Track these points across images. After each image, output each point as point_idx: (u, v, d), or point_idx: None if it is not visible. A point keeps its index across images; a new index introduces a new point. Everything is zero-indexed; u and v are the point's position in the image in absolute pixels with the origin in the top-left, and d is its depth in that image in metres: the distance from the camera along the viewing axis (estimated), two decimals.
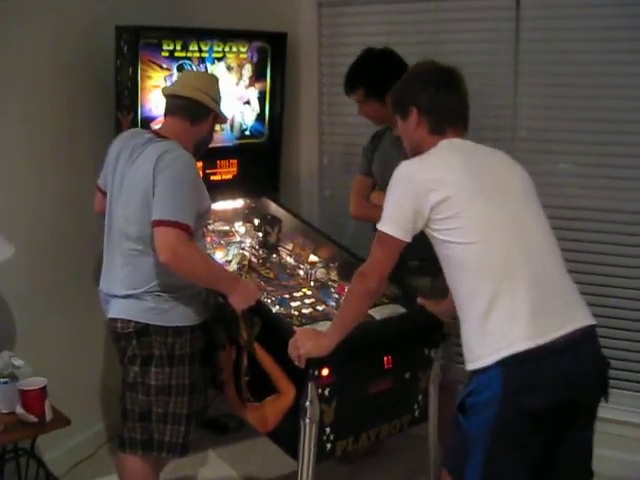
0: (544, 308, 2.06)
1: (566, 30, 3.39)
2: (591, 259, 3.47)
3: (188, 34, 3.32)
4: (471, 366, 2.11)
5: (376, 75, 3.11)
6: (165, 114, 2.76)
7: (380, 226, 2.24)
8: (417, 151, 2.33)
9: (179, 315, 2.63)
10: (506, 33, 3.46)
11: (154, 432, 2.65)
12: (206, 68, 3.38)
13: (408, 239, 2.21)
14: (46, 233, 3.24)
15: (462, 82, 2.34)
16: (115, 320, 2.64)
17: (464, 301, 2.16)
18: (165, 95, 2.77)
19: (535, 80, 3.47)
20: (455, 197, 2.12)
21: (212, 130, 2.81)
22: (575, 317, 2.10)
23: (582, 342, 2.08)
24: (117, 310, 2.64)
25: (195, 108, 2.68)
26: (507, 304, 2.06)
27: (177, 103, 2.69)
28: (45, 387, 2.63)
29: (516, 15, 3.42)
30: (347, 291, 2.45)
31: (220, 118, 2.80)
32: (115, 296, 2.64)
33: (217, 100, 2.75)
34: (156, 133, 2.69)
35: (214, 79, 2.91)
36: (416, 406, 2.90)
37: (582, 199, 3.46)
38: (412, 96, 2.30)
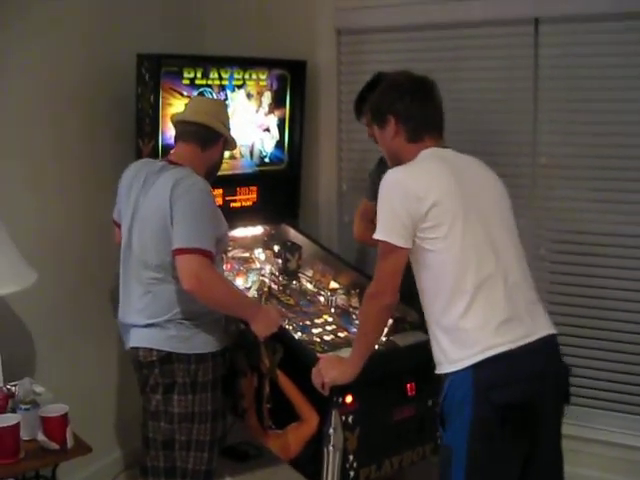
0: (513, 318, 2.17)
1: (586, 56, 3.38)
2: (614, 285, 3.43)
3: (208, 62, 3.36)
4: (444, 369, 2.20)
5: None
6: (175, 140, 2.77)
7: (379, 236, 2.25)
8: (397, 160, 2.38)
9: (201, 342, 2.62)
10: (525, 59, 3.45)
11: (177, 460, 2.63)
12: (226, 96, 3.41)
13: (409, 245, 2.22)
14: (69, 259, 3.25)
15: (436, 91, 2.40)
16: (137, 349, 2.63)
17: (435, 308, 2.23)
18: (175, 122, 2.78)
19: (555, 106, 3.46)
20: (442, 206, 2.18)
21: (222, 155, 2.82)
22: (539, 326, 2.22)
23: (547, 347, 2.23)
24: (139, 339, 2.63)
25: (206, 133, 2.69)
26: (479, 315, 2.16)
27: (188, 129, 2.70)
28: (67, 414, 2.60)
29: (534, 41, 3.41)
30: (361, 313, 2.46)
31: (229, 143, 2.81)
32: (135, 326, 2.63)
33: (226, 125, 2.77)
34: (168, 160, 2.69)
35: (223, 104, 2.96)
36: (439, 434, 2.85)
37: (604, 225, 3.42)
38: (389, 105, 2.35)
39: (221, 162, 2.84)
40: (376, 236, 2.26)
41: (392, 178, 2.27)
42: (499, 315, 2.16)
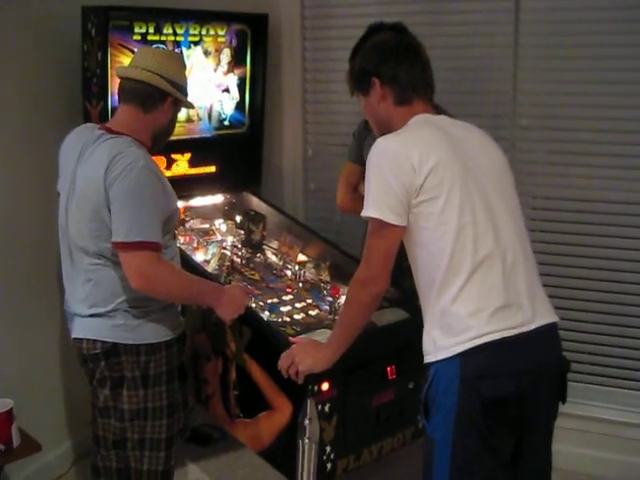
0: (510, 304, 1.99)
1: (568, 10, 3.22)
2: (597, 253, 3.33)
3: (162, 15, 3.11)
4: (431, 358, 2.02)
5: None
6: (118, 101, 2.47)
7: (370, 213, 2.01)
8: (386, 128, 2.17)
9: (151, 331, 2.38)
10: (505, 13, 3.29)
11: (130, 460, 2.42)
12: (182, 53, 3.16)
13: (404, 223, 2.01)
14: (18, 239, 3.01)
15: (422, 49, 2.23)
16: (80, 340, 2.38)
17: (431, 292, 2.03)
18: (118, 77, 2.46)
19: (536, 64, 3.30)
20: (438, 178, 1.98)
21: (174, 118, 2.48)
22: (540, 314, 2.04)
23: (544, 338, 2.03)
24: (81, 329, 2.38)
25: (147, 92, 2.36)
26: (473, 299, 1.97)
27: (128, 87, 2.38)
28: (11, 410, 2.38)
29: None
30: (347, 300, 2.23)
31: (183, 103, 2.48)
32: (78, 315, 2.39)
33: (177, 82, 2.41)
34: (107, 128, 2.38)
35: (173, 56, 2.62)
36: (420, 417, 2.69)
37: (586, 191, 3.31)
38: (373, 67, 2.18)
39: (172, 126, 2.51)
40: (366, 213, 2.03)
41: (383, 146, 2.04)
42: (495, 300, 1.97)
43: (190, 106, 2.63)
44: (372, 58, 2.20)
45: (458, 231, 1.97)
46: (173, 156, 3.25)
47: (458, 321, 1.97)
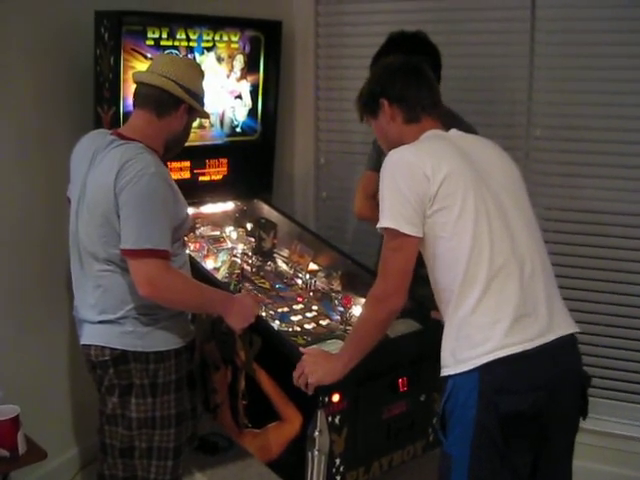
0: (529, 314, 1.96)
1: (584, 20, 3.19)
2: (611, 266, 3.28)
3: (175, 21, 3.08)
4: (449, 371, 2.00)
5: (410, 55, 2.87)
6: (133, 106, 2.45)
7: (385, 224, 2.00)
8: (397, 147, 2.15)
9: (161, 338, 2.35)
10: (521, 23, 3.25)
11: (137, 469, 2.39)
12: (194, 58, 3.13)
13: (421, 234, 1.99)
14: (29, 242, 2.97)
15: (427, 70, 2.27)
16: (89, 347, 2.35)
17: (449, 303, 2.02)
18: (134, 82, 2.44)
19: (551, 74, 3.26)
20: (451, 186, 1.98)
21: (188, 126, 2.46)
22: (558, 324, 2.01)
23: (562, 350, 2.00)
24: (90, 336, 2.35)
25: (161, 98, 2.33)
26: (491, 309, 1.95)
27: (143, 92, 2.36)
28: (17, 417, 2.35)
29: (532, 3, 3.20)
30: (363, 316, 2.20)
31: (198, 112, 2.45)
32: (88, 321, 2.36)
33: (192, 89, 2.38)
34: (119, 134, 2.35)
35: (190, 64, 2.58)
36: (431, 430, 2.67)
37: (601, 202, 3.26)
38: (381, 89, 2.22)
39: (186, 134, 2.48)
40: (381, 224, 2.01)
41: (396, 157, 2.05)
42: (513, 311, 1.94)
43: (206, 116, 2.60)
44: (379, 80, 2.24)
45: (474, 240, 1.95)
46: (184, 162, 3.22)
47: (477, 332, 1.94)
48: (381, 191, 2.04)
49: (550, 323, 1.97)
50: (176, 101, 2.34)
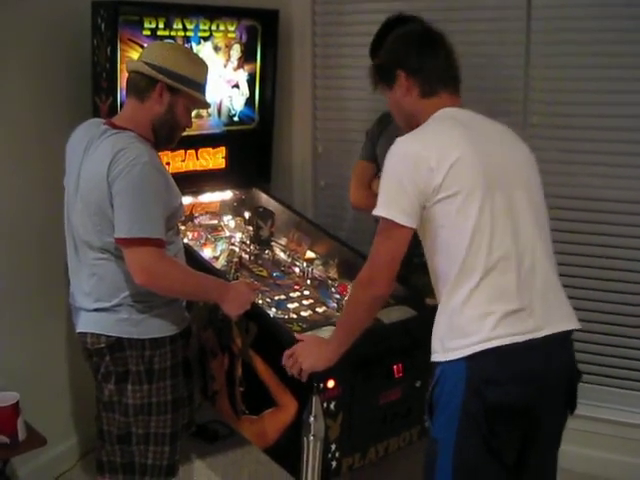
0: (522, 309, 1.94)
1: (581, 7, 3.18)
2: (609, 253, 3.29)
3: (172, 10, 3.08)
4: (438, 357, 1.99)
5: None
6: (125, 95, 2.47)
7: (380, 212, 1.98)
8: (411, 122, 2.13)
9: (156, 325, 2.37)
10: (517, 10, 3.24)
11: (135, 455, 2.41)
12: (191, 48, 3.14)
13: (414, 225, 1.97)
14: (26, 234, 3.00)
15: (447, 41, 2.17)
16: (84, 335, 2.37)
17: (444, 290, 2.01)
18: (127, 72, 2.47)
19: (548, 61, 3.25)
20: (457, 176, 1.93)
21: (172, 107, 2.37)
22: (554, 321, 1.98)
23: (555, 346, 1.98)
24: (86, 323, 2.37)
25: (137, 81, 2.34)
26: (484, 301, 1.94)
27: (129, 80, 2.39)
28: (17, 403, 2.38)
29: None
30: (349, 299, 2.21)
31: (184, 93, 2.36)
32: (84, 309, 2.38)
33: (171, 69, 2.32)
34: (112, 123, 2.36)
35: (177, 48, 2.58)
36: (427, 424, 2.67)
37: (598, 189, 3.26)
38: (397, 59, 2.13)
39: (173, 117, 2.38)
40: (376, 212, 1.99)
41: (401, 148, 2.00)
42: (507, 304, 1.92)
43: (203, 104, 2.52)
44: (396, 50, 2.16)
45: (474, 231, 1.93)
46: (182, 152, 3.24)
47: (467, 323, 1.94)
48: (382, 179, 2.01)
49: (545, 319, 1.95)
50: (150, 82, 2.33)
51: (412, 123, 2.12)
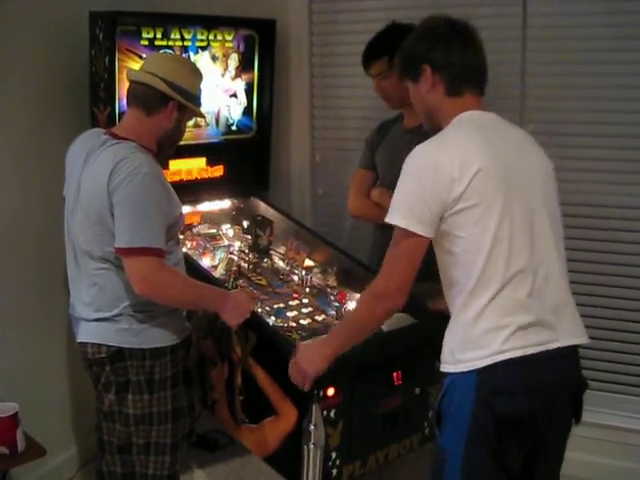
0: (534, 323, 1.92)
1: (576, 15, 3.19)
2: (607, 259, 3.29)
3: (169, 21, 3.09)
4: (448, 368, 1.98)
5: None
6: (126, 105, 2.47)
7: (397, 221, 1.92)
8: (433, 119, 2.10)
9: (156, 335, 2.37)
10: (513, 18, 3.25)
11: (136, 465, 2.42)
12: (189, 58, 3.14)
13: (431, 235, 1.92)
14: (23, 241, 2.99)
15: (477, 36, 2.10)
16: (85, 345, 2.38)
17: (458, 301, 1.98)
18: (128, 81, 2.47)
19: (544, 69, 3.26)
20: (479, 187, 1.89)
21: (179, 124, 2.43)
22: (564, 334, 1.96)
23: (563, 357, 1.96)
24: (86, 333, 2.38)
25: (149, 95, 2.35)
26: (497, 315, 1.91)
27: (133, 90, 2.39)
28: (16, 414, 2.37)
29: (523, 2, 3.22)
30: (360, 308, 2.14)
31: (190, 110, 2.42)
32: (84, 319, 2.38)
33: (181, 86, 2.36)
34: (113, 133, 2.37)
35: (183, 63, 2.59)
36: (426, 424, 2.69)
37: (595, 195, 3.27)
38: (424, 53, 2.05)
39: (178, 132, 2.46)
40: (393, 220, 1.92)
41: (422, 154, 1.95)
42: (520, 318, 1.90)
43: (201, 115, 2.59)
44: (424, 43, 2.07)
45: (493, 244, 1.90)
46: (181, 161, 3.23)
47: (480, 336, 1.91)
48: (399, 185, 1.95)
49: (555, 332, 1.94)
50: (163, 98, 2.35)
51: (434, 119, 2.09)
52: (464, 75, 2.04)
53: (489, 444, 1.91)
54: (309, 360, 2.21)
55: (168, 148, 2.47)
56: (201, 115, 2.59)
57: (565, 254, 2.05)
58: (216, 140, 3.42)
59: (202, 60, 3.21)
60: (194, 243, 3.15)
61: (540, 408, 1.92)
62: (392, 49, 2.87)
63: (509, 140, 2.05)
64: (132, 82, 2.41)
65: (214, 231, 3.31)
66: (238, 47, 3.37)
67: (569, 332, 1.98)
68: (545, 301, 1.94)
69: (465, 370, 1.92)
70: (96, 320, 2.34)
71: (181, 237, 2.99)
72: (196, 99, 2.46)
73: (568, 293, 2.03)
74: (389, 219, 1.95)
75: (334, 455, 2.41)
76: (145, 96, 2.35)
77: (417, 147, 1.98)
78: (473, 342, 1.92)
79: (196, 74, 2.50)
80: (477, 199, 1.89)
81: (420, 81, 2.08)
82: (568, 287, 2.04)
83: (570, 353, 1.98)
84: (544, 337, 1.92)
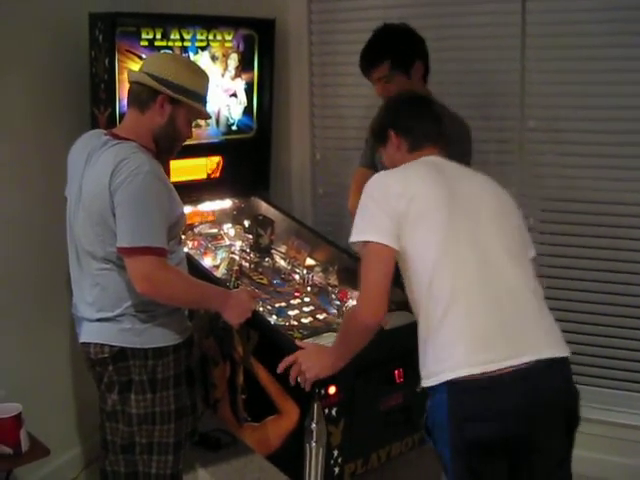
0: (498, 334, 1.94)
1: (576, 11, 3.19)
2: (607, 255, 3.29)
3: (169, 21, 3.09)
4: (424, 383, 2.03)
5: (401, 46, 2.93)
6: (127, 105, 2.48)
7: (357, 237, 2.07)
8: None
9: (158, 334, 2.37)
10: (512, 15, 3.26)
11: (139, 464, 2.41)
12: (189, 58, 3.13)
13: (395, 245, 2.02)
14: (26, 242, 3.00)
15: (434, 105, 2.42)
16: (87, 345, 2.38)
17: (419, 317, 2.06)
18: (128, 82, 2.48)
19: (544, 65, 3.26)
20: (421, 203, 2.05)
21: (173, 119, 2.38)
22: (536, 347, 1.95)
23: (538, 374, 1.93)
24: (89, 334, 2.38)
25: (137, 92, 2.36)
26: (457, 325, 1.96)
27: (130, 90, 2.41)
28: (20, 414, 2.38)
29: None
30: (346, 327, 2.23)
31: (185, 105, 2.37)
32: (86, 319, 2.39)
33: (172, 81, 2.33)
34: (113, 134, 2.37)
35: (178, 59, 2.59)
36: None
37: (596, 192, 3.27)
38: (389, 121, 2.34)
39: (174, 128, 2.39)
40: (353, 239, 2.08)
41: (373, 179, 2.17)
42: (477, 331, 1.94)
43: (203, 114, 2.51)
44: (387, 113, 2.38)
45: (436, 260, 1.98)
46: (182, 161, 3.22)
47: (441, 347, 1.97)
48: (358, 209, 2.12)
49: (525, 345, 1.94)
50: (151, 93, 2.34)
51: None
52: (424, 135, 2.28)
53: (469, 464, 1.94)
54: (316, 373, 2.26)
55: (168, 146, 2.43)
56: (203, 113, 2.50)
57: (531, 270, 2.09)
58: (216, 140, 3.42)
59: (202, 60, 3.20)
60: (195, 243, 3.15)
61: (515, 428, 1.92)
62: (392, 51, 2.91)
63: (462, 176, 2.20)
64: (130, 83, 2.42)
65: (215, 231, 3.32)
66: (238, 47, 3.37)
67: (542, 346, 1.96)
68: (510, 316, 1.97)
69: (436, 383, 1.95)
70: (99, 320, 2.34)
71: (182, 237, 3.01)
72: (193, 95, 2.39)
73: (541, 309, 2.04)
74: (351, 239, 2.09)
75: (336, 453, 2.42)
76: (137, 94, 2.36)
77: (375, 175, 2.21)
78: (436, 355, 1.97)
79: (193, 70, 2.47)
80: (420, 214, 2.02)
81: (388, 144, 2.33)
82: (538, 301, 2.04)
83: (546, 368, 1.94)
84: (511, 351, 1.92)
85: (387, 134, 2.32)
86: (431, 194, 2.06)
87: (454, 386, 1.92)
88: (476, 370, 1.90)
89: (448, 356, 1.94)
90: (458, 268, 1.98)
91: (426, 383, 2.00)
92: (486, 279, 1.99)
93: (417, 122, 2.30)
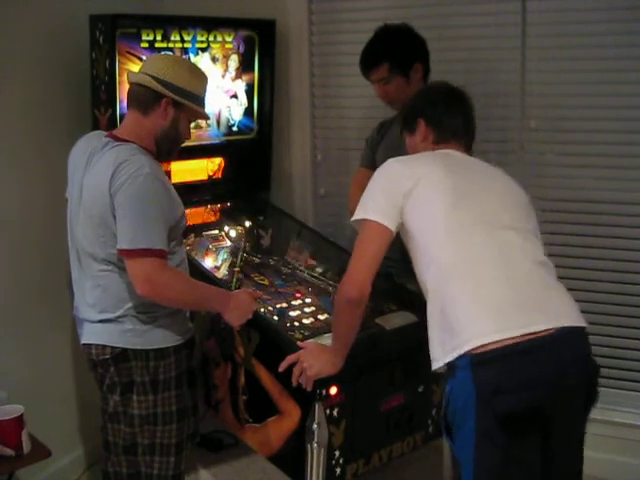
0: (514, 303, 1.97)
1: (576, 11, 3.17)
2: (608, 255, 3.28)
3: (169, 23, 3.10)
4: (435, 365, 2.02)
5: (400, 48, 2.94)
6: (126, 107, 2.49)
7: (357, 215, 2.13)
8: None
9: (160, 336, 2.38)
10: (512, 15, 3.24)
11: (141, 465, 2.42)
12: (189, 59, 3.15)
13: (392, 227, 2.08)
14: (26, 244, 3.00)
15: (469, 101, 2.41)
16: (89, 346, 2.39)
17: (429, 296, 2.06)
18: (128, 83, 2.49)
19: (544, 65, 3.25)
20: (427, 184, 2.11)
21: (175, 122, 2.40)
22: (555, 314, 1.97)
23: (561, 342, 1.93)
24: (90, 335, 2.39)
25: (140, 94, 2.36)
26: (470, 297, 1.98)
27: (130, 92, 2.41)
28: (22, 416, 2.38)
29: None
30: (333, 310, 2.29)
31: (187, 108, 2.38)
32: (88, 320, 2.39)
33: (176, 84, 2.34)
34: (114, 136, 2.38)
35: (180, 62, 2.59)
36: (430, 421, 2.70)
37: (596, 192, 3.25)
38: (421, 110, 2.37)
39: (176, 131, 2.41)
40: (354, 217, 2.14)
41: (385, 165, 2.23)
42: (492, 300, 1.96)
43: (203, 115, 2.53)
44: (421, 102, 2.40)
45: (449, 235, 2.05)
46: (183, 162, 3.24)
47: (454, 323, 1.95)
48: (364, 192, 2.17)
49: (542, 314, 1.94)
50: (155, 96, 2.34)
51: None
52: (452, 130, 2.33)
53: (498, 448, 1.90)
54: (317, 371, 2.27)
55: (168, 149, 2.44)
56: (203, 115, 2.52)
57: (541, 247, 2.15)
58: (217, 141, 3.43)
59: (202, 61, 3.21)
60: (196, 244, 3.15)
61: (545, 397, 1.91)
62: (391, 53, 2.91)
63: (471, 165, 2.26)
64: (130, 84, 2.42)
65: (216, 232, 3.31)
66: (238, 48, 3.37)
67: (560, 315, 1.98)
68: (525, 287, 1.99)
69: (449, 360, 1.94)
70: (100, 321, 2.34)
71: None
72: (194, 98, 2.41)
73: (554, 281, 2.08)
74: (354, 217, 2.14)
75: (337, 454, 2.42)
76: (140, 96, 2.36)
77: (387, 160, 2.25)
78: (452, 329, 1.96)
79: (194, 73, 2.47)
80: (427, 194, 2.09)
81: (416, 132, 2.37)
82: (551, 276, 2.08)
83: (568, 336, 1.96)
84: (529, 319, 1.93)
85: (416, 122, 2.36)
86: (440, 174, 2.13)
87: (477, 357, 1.89)
88: (495, 337, 1.89)
89: (465, 327, 1.94)
90: (464, 241, 2.03)
91: (439, 363, 1.98)
92: (496, 251, 2.03)
93: (450, 118, 2.33)
